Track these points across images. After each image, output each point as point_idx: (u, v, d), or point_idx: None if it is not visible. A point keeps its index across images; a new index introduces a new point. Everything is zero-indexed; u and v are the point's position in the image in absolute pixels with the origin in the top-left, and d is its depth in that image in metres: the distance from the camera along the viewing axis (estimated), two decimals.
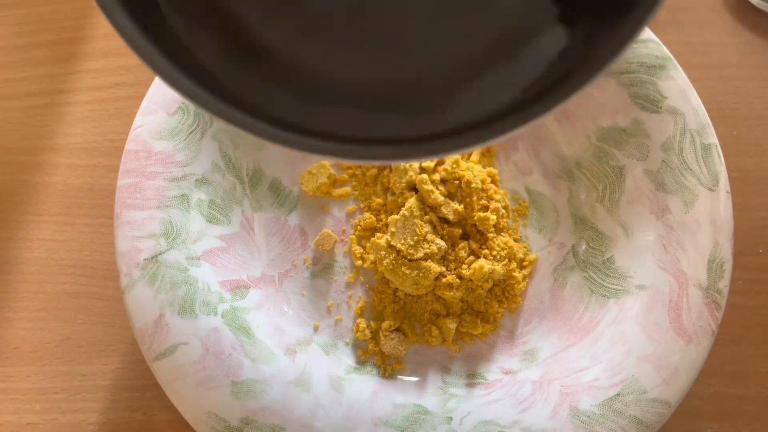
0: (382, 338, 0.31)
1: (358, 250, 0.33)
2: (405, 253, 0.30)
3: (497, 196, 0.33)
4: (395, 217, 0.30)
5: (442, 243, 0.30)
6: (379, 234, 0.32)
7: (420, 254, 0.30)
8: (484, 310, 0.32)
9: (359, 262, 0.33)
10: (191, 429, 0.29)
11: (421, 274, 0.30)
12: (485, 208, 0.32)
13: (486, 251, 0.31)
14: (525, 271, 0.33)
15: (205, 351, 0.28)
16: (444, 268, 0.31)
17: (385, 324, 0.31)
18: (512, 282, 0.32)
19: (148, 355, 0.27)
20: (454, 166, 0.31)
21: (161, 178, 0.31)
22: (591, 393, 0.28)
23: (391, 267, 0.30)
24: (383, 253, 0.30)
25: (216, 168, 0.32)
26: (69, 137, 0.38)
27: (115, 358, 0.33)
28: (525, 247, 0.33)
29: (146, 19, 0.15)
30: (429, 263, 0.30)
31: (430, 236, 0.30)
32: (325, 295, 0.33)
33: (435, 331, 0.31)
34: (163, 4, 0.16)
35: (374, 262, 0.33)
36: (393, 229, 0.30)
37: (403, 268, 0.30)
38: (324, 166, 0.34)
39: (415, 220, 0.30)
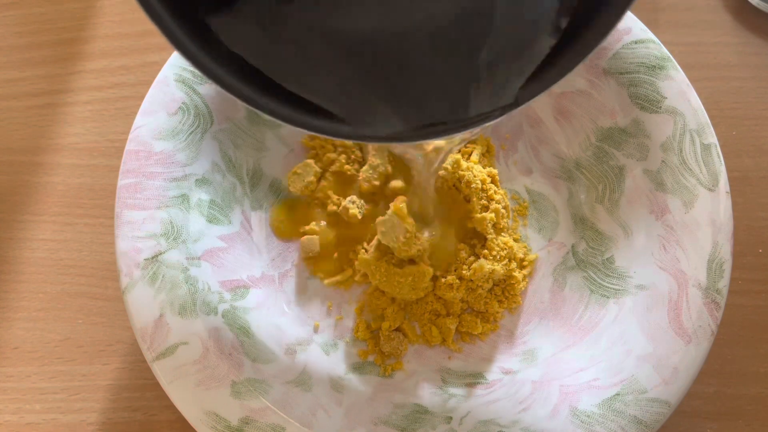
0: (382, 338, 0.31)
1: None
2: (397, 251, 0.30)
3: (497, 197, 0.33)
4: (382, 217, 0.30)
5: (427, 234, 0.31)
6: (362, 248, 0.32)
7: (413, 251, 0.30)
8: (484, 310, 0.32)
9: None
10: (191, 429, 0.29)
11: (416, 279, 0.30)
12: (485, 209, 0.32)
13: (486, 251, 0.31)
14: (525, 271, 0.33)
15: (205, 351, 0.28)
16: (433, 269, 0.31)
17: (385, 324, 0.31)
18: (512, 282, 0.32)
19: (148, 355, 0.27)
20: (454, 166, 0.31)
21: (162, 178, 0.31)
22: (591, 393, 0.28)
23: (384, 279, 0.30)
24: (373, 267, 0.30)
25: (216, 168, 0.32)
26: (69, 137, 0.38)
27: (115, 358, 0.33)
28: (525, 247, 0.33)
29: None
30: (422, 266, 0.30)
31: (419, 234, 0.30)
32: (325, 295, 0.33)
33: (435, 331, 0.31)
34: None
35: (365, 275, 0.32)
36: (383, 229, 0.30)
37: (396, 277, 0.30)
38: (309, 165, 0.34)
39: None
